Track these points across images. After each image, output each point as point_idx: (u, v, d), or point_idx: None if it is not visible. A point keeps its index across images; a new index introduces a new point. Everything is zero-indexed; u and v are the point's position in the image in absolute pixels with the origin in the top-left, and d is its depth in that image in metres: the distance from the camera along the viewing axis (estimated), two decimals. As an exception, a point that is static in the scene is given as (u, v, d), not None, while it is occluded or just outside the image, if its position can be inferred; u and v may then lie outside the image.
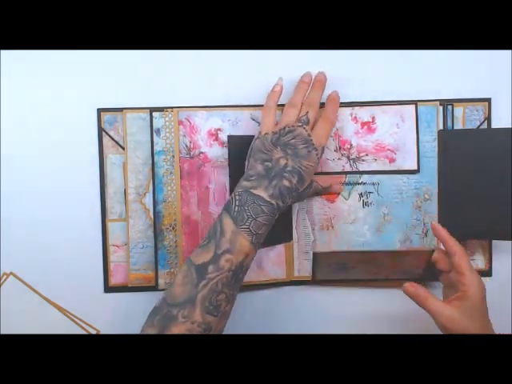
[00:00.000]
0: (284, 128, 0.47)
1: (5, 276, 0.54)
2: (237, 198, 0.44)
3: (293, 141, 0.46)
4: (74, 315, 0.55)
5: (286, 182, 0.45)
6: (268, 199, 0.44)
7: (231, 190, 0.50)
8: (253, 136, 0.51)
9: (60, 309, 0.55)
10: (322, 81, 0.50)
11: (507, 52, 0.54)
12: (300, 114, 0.48)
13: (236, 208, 0.43)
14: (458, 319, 0.43)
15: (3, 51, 0.53)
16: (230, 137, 0.51)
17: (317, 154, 0.47)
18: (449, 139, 0.52)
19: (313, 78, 0.51)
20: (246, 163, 0.48)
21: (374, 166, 0.53)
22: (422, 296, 0.45)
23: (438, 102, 0.52)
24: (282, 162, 0.45)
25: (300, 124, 0.47)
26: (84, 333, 0.55)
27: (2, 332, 0.54)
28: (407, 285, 0.45)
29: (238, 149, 0.50)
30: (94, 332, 0.55)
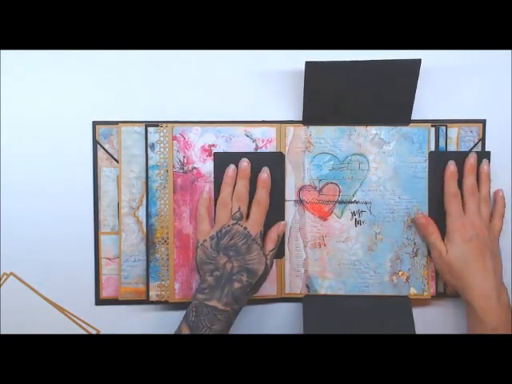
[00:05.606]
0: (221, 230, 0.49)
1: (5, 276, 0.54)
2: (193, 309, 0.47)
3: (232, 241, 0.49)
4: (74, 315, 0.55)
5: (236, 285, 0.47)
6: (222, 308, 0.46)
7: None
8: (239, 153, 0.52)
9: (60, 309, 0.55)
10: (246, 170, 0.51)
11: (507, 52, 0.54)
12: (233, 212, 0.50)
13: (193, 318, 0.46)
14: (445, 255, 0.50)
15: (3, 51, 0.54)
16: (215, 154, 0.52)
17: (257, 243, 0.49)
18: (439, 161, 0.52)
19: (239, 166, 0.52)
20: (198, 274, 0.51)
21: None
22: (429, 230, 0.51)
23: (429, 124, 0.53)
24: (228, 266, 0.48)
25: (235, 222, 0.49)
26: (84, 333, 0.55)
27: (2, 332, 0.54)
28: (420, 215, 0.52)
29: (224, 165, 0.52)
30: (94, 332, 0.55)
